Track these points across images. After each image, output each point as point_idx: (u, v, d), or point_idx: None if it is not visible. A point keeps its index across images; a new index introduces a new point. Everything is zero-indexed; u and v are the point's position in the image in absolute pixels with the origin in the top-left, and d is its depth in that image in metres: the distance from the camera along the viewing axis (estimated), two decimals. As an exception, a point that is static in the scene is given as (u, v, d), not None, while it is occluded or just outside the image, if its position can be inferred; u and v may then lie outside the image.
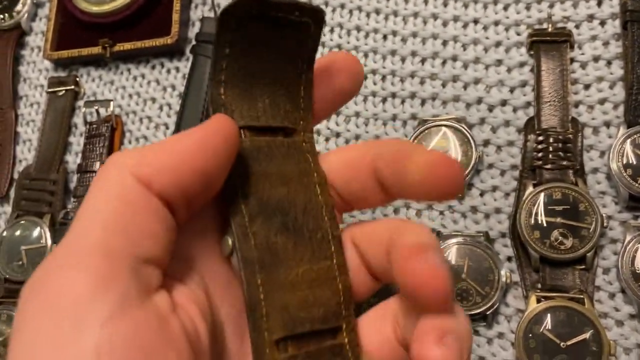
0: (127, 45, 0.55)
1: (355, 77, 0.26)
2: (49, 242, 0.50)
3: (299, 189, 0.24)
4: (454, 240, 0.43)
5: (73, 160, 0.55)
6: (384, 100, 0.48)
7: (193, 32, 0.55)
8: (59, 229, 0.49)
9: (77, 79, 0.57)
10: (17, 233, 0.51)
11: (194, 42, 0.54)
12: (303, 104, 0.25)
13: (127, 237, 0.19)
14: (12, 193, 0.55)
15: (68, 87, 0.56)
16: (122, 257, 0.18)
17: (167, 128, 0.53)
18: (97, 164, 0.52)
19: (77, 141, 0.56)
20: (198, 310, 0.21)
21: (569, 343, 0.38)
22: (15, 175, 0.56)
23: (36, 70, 0.59)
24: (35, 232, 0.51)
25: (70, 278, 0.18)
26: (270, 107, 0.24)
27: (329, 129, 0.49)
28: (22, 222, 0.52)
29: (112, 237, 0.18)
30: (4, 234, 0.52)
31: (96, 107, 0.54)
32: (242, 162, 0.23)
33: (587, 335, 0.38)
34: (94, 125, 0.54)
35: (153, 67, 0.56)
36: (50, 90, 0.57)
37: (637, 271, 0.39)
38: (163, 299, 0.19)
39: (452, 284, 0.20)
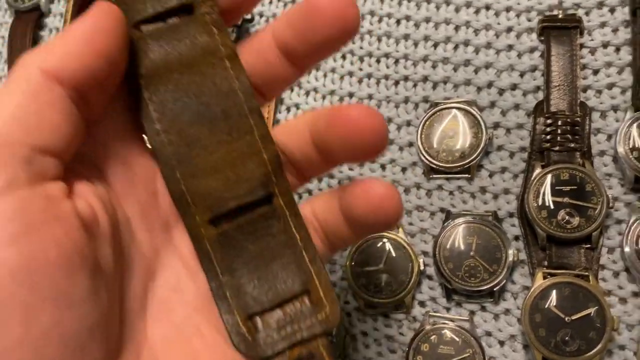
0: (145, 27, 0.56)
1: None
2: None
3: (206, 70, 0.24)
4: (462, 219, 0.44)
5: (91, 138, 0.56)
6: (397, 83, 0.50)
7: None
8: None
9: (95, 60, 0.58)
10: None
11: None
12: None
13: (24, 127, 0.20)
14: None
15: (86, 68, 0.57)
16: (15, 145, 0.19)
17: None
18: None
19: (94, 120, 0.57)
20: (99, 201, 0.22)
21: (573, 318, 0.39)
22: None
23: (55, 51, 0.61)
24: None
25: None
26: None
27: (342, 110, 0.50)
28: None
29: (10, 128, 0.19)
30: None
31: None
32: (142, 58, 0.24)
33: (591, 310, 0.39)
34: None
35: (170, 49, 0.57)
36: (68, 70, 0.58)
37: (641, 250, 0.40)
38: (56, 186, 0.21)
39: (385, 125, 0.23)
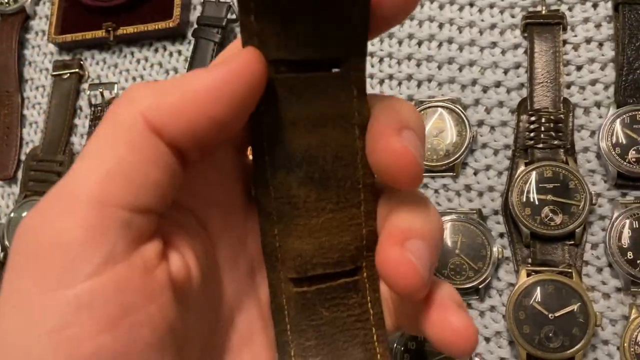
0: (130, 29, 0.56)
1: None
2: (57, 221, 0.52)
3: (334, 133, 0.22)
4: (448, 218, 0.44)
5: (78, 142, 0.57)
6: (382, 82, 0.50)
7: (195, 15, 0.56)
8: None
9: (82, 63, 0.58)
10: (25, 213, 0.53)
11: (195, 26, 0.55)
12: (356, 24, 0.21)
13: (127, 186, 0.18)
14: (19, 174, 0.57)
15: (73, 70, 0.57)
16: (117, 208, 0.18)
17: (170, 110, 0.54)
18: (102, 145, 0.53)
19: (82, 123, 0.57)
20: (192, 253, 0.21)
21: (557, 314, 0.40)
22: (23, 157, 0.57)
23: (41, 53, 0.61)
24: (43, 212, 0.53)
25: (61, 227, 0.17)
26: (311, 32, 0.20)
27: (327, 110, 0.50)
28: (30, 202, 0.53)
29: (111, 186, 0.18)
30: (12, 214, 0.54)
31: (100, 90, 0.55)
32: (271, 104, 0.21)
33: (574, 307, 0.39)
34: (99, 108, 0.55)
35: (156, 50, 0.57)
36: (55, 73, 0.58)
37: (624, 246, 0.41)
38: (152, 249, 0.19)
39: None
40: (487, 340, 0.43)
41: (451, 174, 0.46)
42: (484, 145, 0.46)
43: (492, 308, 0.43)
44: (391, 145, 0.20)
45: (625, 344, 0.39)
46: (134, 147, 0.18)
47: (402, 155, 0.20)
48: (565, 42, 0.46)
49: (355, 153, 0.22)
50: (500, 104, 0.47)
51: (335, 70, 0.21)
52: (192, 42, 0.54)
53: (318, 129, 0.22)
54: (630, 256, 0.40)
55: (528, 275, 0.41)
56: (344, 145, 0.22)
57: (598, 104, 0.45)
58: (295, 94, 0.21)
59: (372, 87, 0.50)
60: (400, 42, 0.50)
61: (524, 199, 0.43)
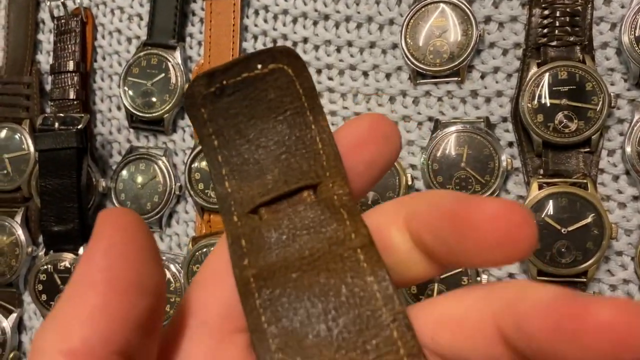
0: None
1: (387, 144, 0.20)
2: (31, 148, 0.48)
3: (333, 266, 0.19)
4: (453, 129, 0.41)
5: (45, 60, 0.52)
6: (375, -24, 0.44)
7: None
8: (39, 135, 0.46)
9: (37, -32, 0.52)
10: (-3, 140, 0.49)
11: None
12: (325, 155, 0.20)
13: None
14: (-14, 98, 0.53)
15: (28, -22, 0.51)
16: None
17: (141, 19, 0.49)
18: (71, 62, 0.48)
19: (47, 39, 0.52)
20: None
21: (570, 229, 0.37)
22: (-13, 79, 0.53)
23: (-9, -41, 0.54)
24: (16, 139, 0.49)
25: None
26: (283, 173, 0.20)
27: (316, 11, 0.45)
28: (1, 129, 0.49)
29: None
30: (-15, 141, 0.50)
31: (62, 0, 0.49)
32: (254, 253, 0.19)
33: (588, 219, 0.37)
34: (63, 21, 0.49)
35: (119, -50, 0.50)
36: (9, -18, 0.52)
37: (644, 152, 0.38)
38: None
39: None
40: (495, 255, 0.41)
41: (456, 78, 0.42)
42: (492, 45, 0.42)
43: (500, 222, 0.41)
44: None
45: (641, 254, 0.37)
46: None
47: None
48: None
49: (368, 280, 0.18)
50: (510, -3, 0.41)
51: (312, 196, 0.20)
52: (159, -62, 0.48)
53: (314, 265, 0.19)
54: (650, 163, 0.37)
55: (540, 187, 0.38)
56: (351, 276, 0.18)
57: (620, -8, 0.40)
58: (278, 235, 0.19)
59: (365, -17, 0.44)
60: None
61: (536, 104, 0.39)
